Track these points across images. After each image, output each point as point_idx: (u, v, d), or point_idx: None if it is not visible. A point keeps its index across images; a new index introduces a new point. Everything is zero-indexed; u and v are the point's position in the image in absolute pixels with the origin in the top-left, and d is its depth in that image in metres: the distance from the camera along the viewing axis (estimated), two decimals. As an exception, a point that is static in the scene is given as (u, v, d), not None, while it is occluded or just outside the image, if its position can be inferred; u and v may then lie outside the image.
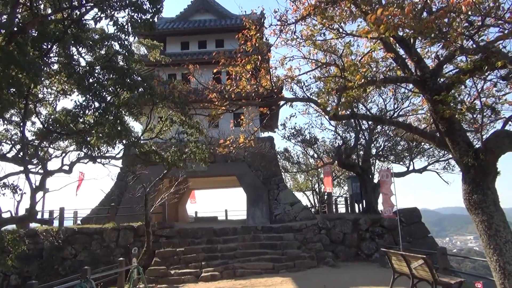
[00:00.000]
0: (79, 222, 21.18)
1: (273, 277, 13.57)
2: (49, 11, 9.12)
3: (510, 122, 6.46)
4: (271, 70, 8.67)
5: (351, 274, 13.68)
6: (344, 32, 7.37)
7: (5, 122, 12.31)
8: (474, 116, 7.11)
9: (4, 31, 7.49)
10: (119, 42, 9.84)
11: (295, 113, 19.84)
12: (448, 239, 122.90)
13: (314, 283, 12.34)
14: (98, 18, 8.21)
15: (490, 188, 6.08)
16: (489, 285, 9.05)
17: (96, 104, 9.71)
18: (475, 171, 6.14)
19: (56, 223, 19.52)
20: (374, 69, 8.00)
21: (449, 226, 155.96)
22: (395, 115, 20.06)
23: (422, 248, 14.69)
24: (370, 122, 21.12)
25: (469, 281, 11.50)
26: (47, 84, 11.85)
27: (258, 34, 8.08)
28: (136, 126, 25.40)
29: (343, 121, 22.05)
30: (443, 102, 6.15)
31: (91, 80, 9.85)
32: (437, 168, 22.49)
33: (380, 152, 23.20)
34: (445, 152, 19.89)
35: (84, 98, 9.90)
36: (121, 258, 13.43)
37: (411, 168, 22.22)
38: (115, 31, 9.11)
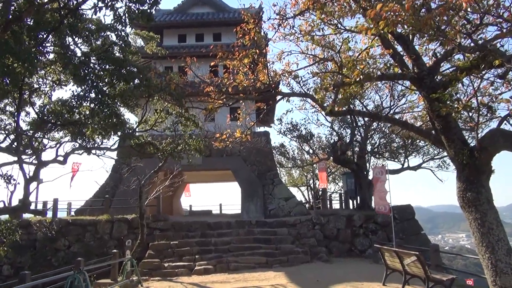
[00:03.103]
0: (72, 213, 21.12)
1: (267, 272, 13.62)
2: (46, -1, 9.00)
3: (505, 121, 6.48)
4: (268, 64, 8.64)
5: (344, 269, 13.75)
6: (342, 27, 7.35)
7: (-1, 111, 12.23)
8: (470, 114, 7.12)
9: (-1, 19, 7.40)
10: (116, 33, 9.75)
11: (291, 108, 19.91)
12: (441, 236, 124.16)
13: (307, 278, 12.40)
14: (98, 8, 8.11)
15: (484, 186, 6.11)
16: (480, 282, 9.15)
17: (93, 95, 9.64)
18: (469, 169, 6.17)
19: (49, 214, 19.42)
20: (372, 65, 7.99)
21: (442, 223, 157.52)
22: (391, 112, 20.10)
23: (414, 245, 14.80)
24: (366, 119, 21.15)
25: (460, 278, 11.60)
26: (43, 74, 11.76)
27: (256, 28, 8.03)
28: (132, 118, 25.23)
29: (339, 117, 22.06)
30: (439, 100, 6.15)
31: (86, 71, 9.76)
32: (431, 166, 22.67)
33: (376, 149, 23.29)
34: (440, 150, 19.99)
35: (81, 89, 9.83)
36: (114, 250, 13.40)
37: (405, 165, 22.36)
38: (112, 22, 9.02)
